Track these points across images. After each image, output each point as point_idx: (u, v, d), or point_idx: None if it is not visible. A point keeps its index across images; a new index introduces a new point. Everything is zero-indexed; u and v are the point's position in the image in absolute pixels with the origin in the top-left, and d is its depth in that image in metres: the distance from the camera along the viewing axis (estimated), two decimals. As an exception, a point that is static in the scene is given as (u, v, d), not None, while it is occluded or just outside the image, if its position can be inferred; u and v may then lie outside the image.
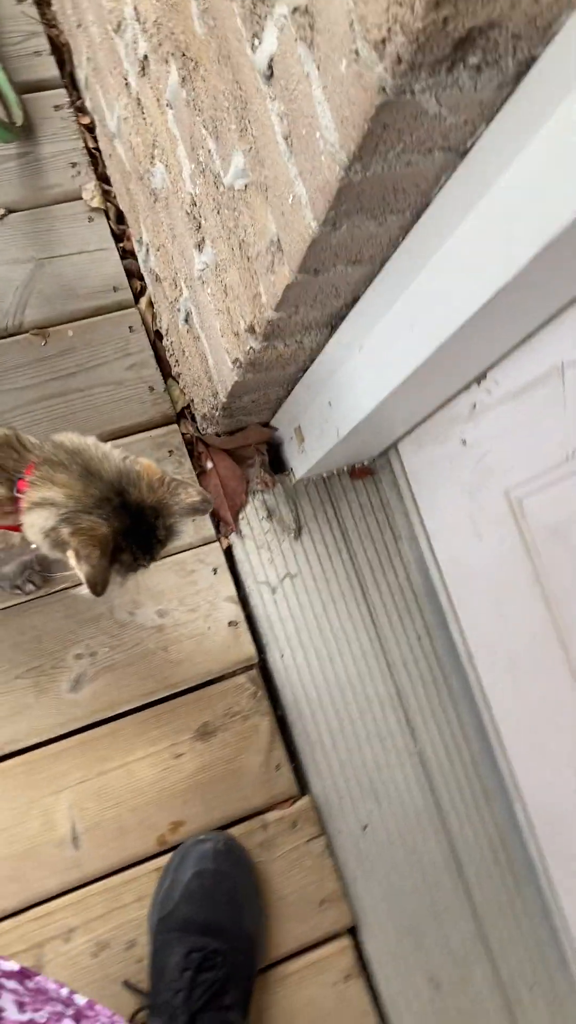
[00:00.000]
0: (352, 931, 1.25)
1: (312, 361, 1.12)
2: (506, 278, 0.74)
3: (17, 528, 0.95)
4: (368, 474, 1.40)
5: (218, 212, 0.98)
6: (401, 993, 1.24)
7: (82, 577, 0.86)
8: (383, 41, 0.56)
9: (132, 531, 0.90)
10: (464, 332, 0.85)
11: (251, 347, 1.02)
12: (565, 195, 0.65)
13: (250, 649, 1.30)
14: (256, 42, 0.74)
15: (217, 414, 1.25)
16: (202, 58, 0.89)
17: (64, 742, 1.22)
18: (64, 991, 0.84)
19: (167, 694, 1.26)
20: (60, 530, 0.89)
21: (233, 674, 1.29)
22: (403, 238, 0.83)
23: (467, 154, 0.70)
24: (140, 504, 0.91)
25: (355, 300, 0.96)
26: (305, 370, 1.15)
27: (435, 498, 1.29)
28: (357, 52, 0.59)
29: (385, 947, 1.25)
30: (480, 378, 1.06)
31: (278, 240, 0.84)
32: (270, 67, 0.74)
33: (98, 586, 0.87)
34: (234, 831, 1.23)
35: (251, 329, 0.99)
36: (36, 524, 0.92)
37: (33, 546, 0.99)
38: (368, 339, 0.99)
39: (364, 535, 1.38)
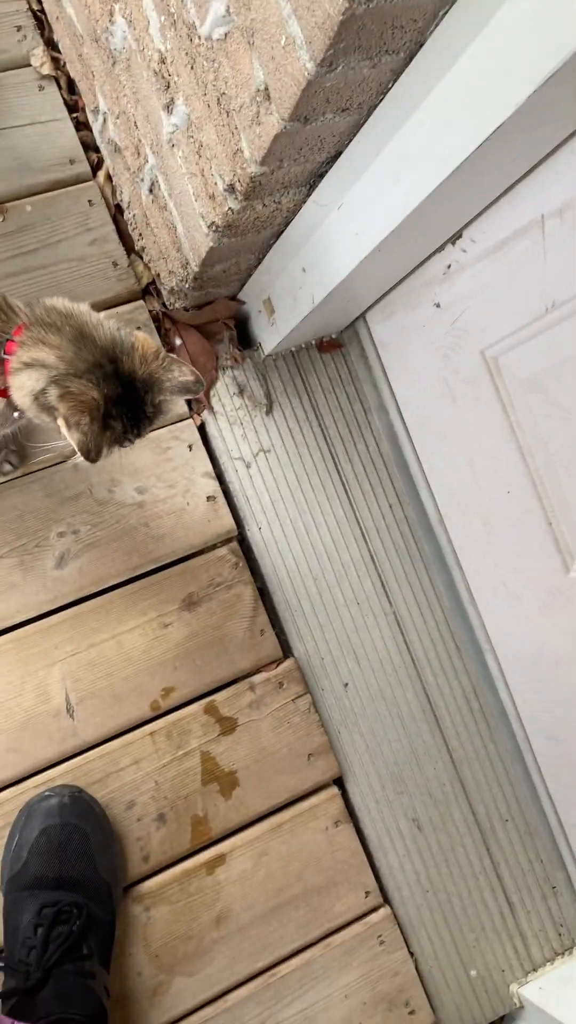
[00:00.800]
0: (339, 781, 1.33)
1: (287, 225, 1.11)
2: (500, 119, 0.75)
3: (3, 393, 0.94)
4: (336, 347, 1.41)
5: (192, 67, 0.96)
6: (386, 834, 1.33)
7: (74, 444, 0.85)
8: None
9: (122, 401, 0.89)
10: (451, 183, 0.86)
11: (230, 208, 1.01)
12: (567, 25, 0.66)
13: (229, 522, 1.33)
14: None
15: (186, 286, 1.24)
16: None
17: (53, 617, 1.24)
18: None
19: (152, 568, 1.29)
20: (49, 392, 0.87)
21: (214, 547, 1.32)
22: (393, 83, 0.83)
23: (467, -14, 0.70)
24: (132, 375, 0.90)
25: (337, 155, 0.96)
26: (279, 235, 1.14)
27: (406, 365, 1.31)
28: None
29: (370, 793, 1.33)
30: (455, 237, 1.07)
31: (265, 88, 0.83)
32: None
33: (91, 452, 0.86)
34: (223, 694, 1.28)
35: (231, 188, 0.98)
36: (25, 386, 0.90)
37: (16, 415, 0.99)
38: (349, 196, 0.99)
39: (334, 408, 1.40)
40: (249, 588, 1.32)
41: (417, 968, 1.31)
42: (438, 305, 1.16)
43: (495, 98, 0.74)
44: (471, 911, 1.34)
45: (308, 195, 1.04)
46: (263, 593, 1.34)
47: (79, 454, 0.85)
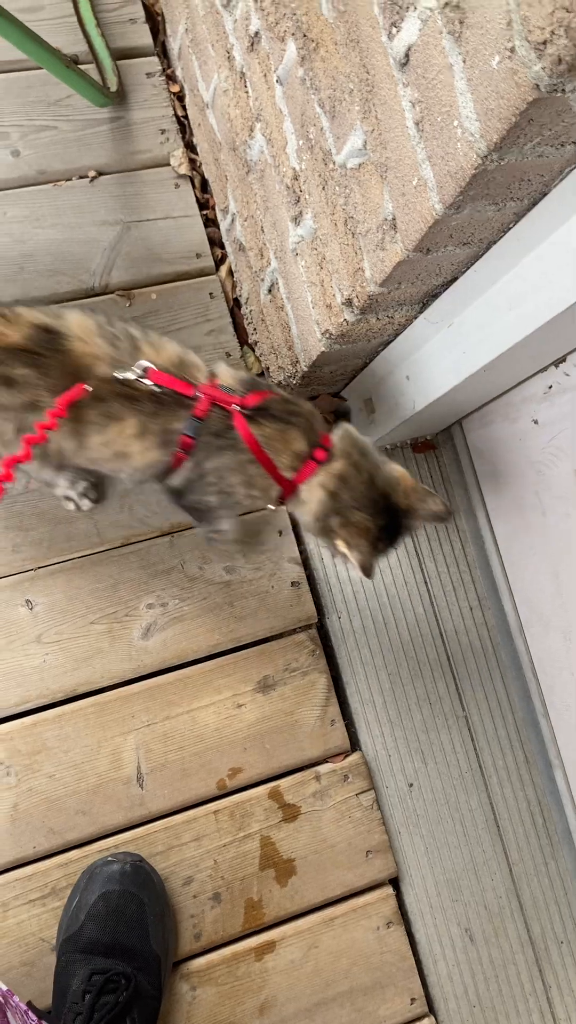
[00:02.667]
0: (394, 881, 1.32)
1: (397, 336, 1.16)
2: (616, 268, 0.79)
3: (272, 467, 1.03)
4: (430, 448, 1.45)
5: (324, 188, 1.02)
6: (437, 941, 1.31)
7: (355, 563, 1.01)
8: (544, 43, 0.60)
9: (387, 527, 1.03)
10: (563, 317, 0.90)
11: (345, 319, 1.07)
12: None
13: (311, 609, 1.36)
14: (394, 31, 0.79)
15: (294, 383, 1.30)
16: (324, 40, 0.93)
17: (134, 686, 1.28)
18: None
19: (231, 647, 1.32)
20: (331, 520, 1.03)
21: (294, 632, 1.35)
22: (514, 224, 0.87)
23: (595, 149, 0.75)
24: (397, 506, 1.04)
25: (453, 280, 1.01)
26: (387, 344, 1.19)
27: (499, 474, 1.34)
28: (513, 49, 0.64)
29: (424, 897, 1.32)
30: (559, 361, 1.11)
31: (393, 219, 0.88)
32: (407, 55, 0.78)
33: (369, 570, 1.01)
34: (289, 780, 1.30)
35: (348, 302, 1.04)
36: (313, 501, 1.04)
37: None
38: (460, 317, 1.04)
39: (423, 507, 1.43)
40: (324, 677, 1.34)
41: None
42: (536, 422, 1.19)
43: (612, 249, 0.78)
44: (518, 1034, 1.31)
45: (420, 312, 1.09)
46: (336, 682, 1.37)
47: (359, 570, 1.01)
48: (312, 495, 1.04)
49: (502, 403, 1.26)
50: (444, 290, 1.03)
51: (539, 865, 1.36)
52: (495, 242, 0.92)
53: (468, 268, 0.98)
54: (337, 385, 1.36)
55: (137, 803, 1.25)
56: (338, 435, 1.05)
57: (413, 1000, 1.28)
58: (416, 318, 1.11)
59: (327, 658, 1.36)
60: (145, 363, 0.96)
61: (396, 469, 1.05)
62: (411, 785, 1.35)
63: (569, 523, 1.18)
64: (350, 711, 1.36)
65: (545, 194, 0.82)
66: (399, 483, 1.04)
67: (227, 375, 1.04)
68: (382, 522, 1.02)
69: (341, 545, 1.02)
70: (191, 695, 1.29)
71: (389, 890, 1.31)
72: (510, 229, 0.89)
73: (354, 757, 1.33)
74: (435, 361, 1.13)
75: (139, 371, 0.96)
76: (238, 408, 0.99)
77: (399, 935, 1.30)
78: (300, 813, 1.29)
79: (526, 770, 1.38)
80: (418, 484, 1.05)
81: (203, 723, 1.29)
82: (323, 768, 1.32)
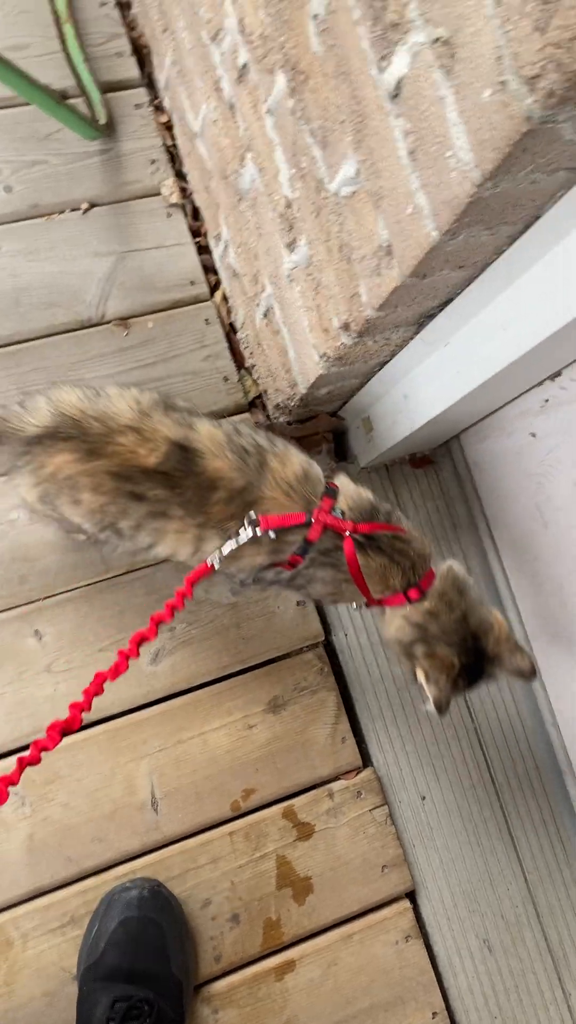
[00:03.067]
0: (411, 895, 1.33)
1: (393, 356, 1.18)
2: (609, 287, 0.81)
3: (366, 591, 1.05)
4: (428, 463, 1.47)
5: (317, 215, 1.04)
6: (456, 953, 1.32)
7: (430, 696, 1.02)
8: (536, 77, 0.62)
9: (470, 667, 1.04)
10: (559, 335, 0.91)
11: (343, 343, 1.08)
12: None
13: (317, 627, 1.37)
14: (384, 64, 0.81)
15: (292, 404, 1.32)
16: (314, 72, 0.95)
17: (145, 712, 1.29)
18: None
19: (240, 668, 1.33)
20: (416, 647, 1.04)
21: (301, 651, 1.36)
22: (508, 246, 0.89)
23: (585, 173, 0.77)
24: (484, 650, 1.05)
25: (449, 301, 1.02)
26: (384, 364, 1.21)
27: (498, 487, 1.35)
28: (504, 83, 0.66)
29: (441, 910, 1.33)
30: (555, 375, 1.12)
31: (388, 246, 0.90)
32: (398, 87, 0.80)
33: (443, 706, 1.02)
34: (302, 799, 1.31)
35: (345, 326, 1.05)
36: (393, 627, 1.07)
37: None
38: (456, 337, 1.06)
39: (424, 522, 1.45)
40: (333, 694, 1.35)
41: None
42: (534, 435, 1.21)
43: (606, 269, 0.80)
44: (539, 1043, 1.32)
45: (416, 333, 1.11)
46: (345, 699, 1.38)
47: (431, 705, 1.01)
48: (394, 621, 1.07)
49: (499, 417, 1.28)
50: (440, 311, 1.05)
51: (553, 872, 1.37)
52: (490, 264, 0.93)
53: (463, 289, 1.00)
54: (334, 405, 1.38)
55: (152, 828, 1.26)
56: (441, 573, 1.07)
57: (435, 1014, 1.29)
58: (412, 339, 1.12)
59: (335, 675, 1.37)
60: (253, 515, 0.98)
61: (494, 616, 1.06)
62: (423, 798, 1.36)
63: (572, 534, 1.20)
64: (360, 727, 1.37)
65: (538, 217, 0.84)
66: (493, 629, 1.05)
67: (348, 491, 1.06)
68: (466, 661, 1.03)
69: (420, 675, 1.03)
70: (202, 718, 1.30)
71: (406, 904, 1.32)
72: (504, 252, 0.91)
73: (366, 773, 1.34)
74: (432, 380, 1.15)
75: (252, 525, 0.98)
76: (350, 534, 1.02)
77: (418, 949, 1.30)
78: (315, 831, 1.30)
79: (537, 778, 1.39)
80: (512, 636, 1.06)
81: (215, 746, 1.30)
82: (336, 785, 1.33)
